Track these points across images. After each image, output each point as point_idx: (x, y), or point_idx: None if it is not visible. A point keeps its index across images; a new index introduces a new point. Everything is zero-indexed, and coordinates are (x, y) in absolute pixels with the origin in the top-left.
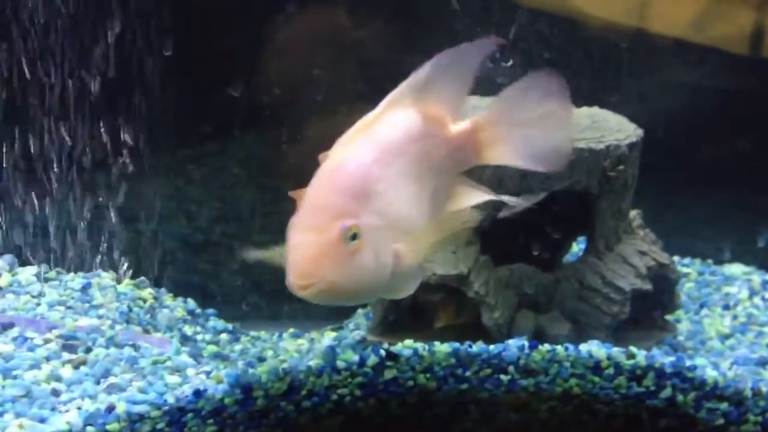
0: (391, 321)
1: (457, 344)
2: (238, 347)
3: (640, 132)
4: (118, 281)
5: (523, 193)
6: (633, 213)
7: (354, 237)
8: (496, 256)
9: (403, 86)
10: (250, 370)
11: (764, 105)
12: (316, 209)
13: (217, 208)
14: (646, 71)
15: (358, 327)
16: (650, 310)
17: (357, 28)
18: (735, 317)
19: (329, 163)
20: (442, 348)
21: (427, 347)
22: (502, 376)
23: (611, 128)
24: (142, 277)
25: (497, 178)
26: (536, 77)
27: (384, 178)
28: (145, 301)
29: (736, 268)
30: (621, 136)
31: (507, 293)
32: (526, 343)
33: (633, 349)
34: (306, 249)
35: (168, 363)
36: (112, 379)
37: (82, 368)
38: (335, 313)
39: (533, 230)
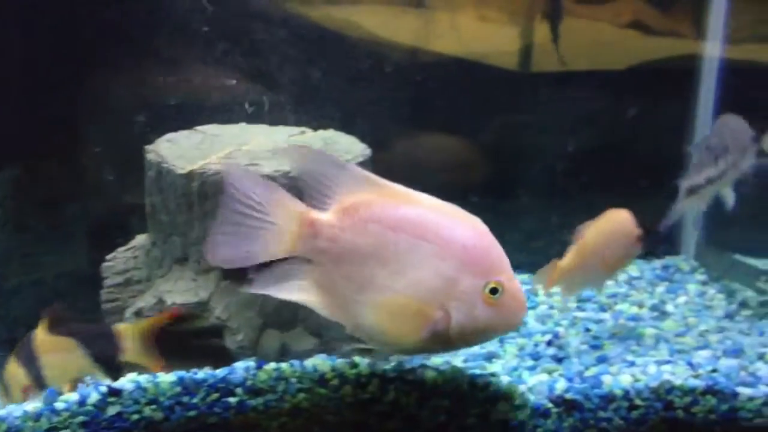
0: None
1: (182, 372)
2: None
3: (368, 152)
4: None
5: None
6: None
7: None
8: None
9: None
10: None
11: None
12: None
13: None
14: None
15: None
16: None
17: None
18: None
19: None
20: (167, 378)
21: (150, 378)
22: (231, 399)
23: (341, 149)
24: None
25: None
26: None
27: None
28: None
29: None
30: (349, 157)
31: (250, 314)
32: (253, 364)
33: (356, 359)
34: None
35: None
36: None
37: None
38: None
39: None
